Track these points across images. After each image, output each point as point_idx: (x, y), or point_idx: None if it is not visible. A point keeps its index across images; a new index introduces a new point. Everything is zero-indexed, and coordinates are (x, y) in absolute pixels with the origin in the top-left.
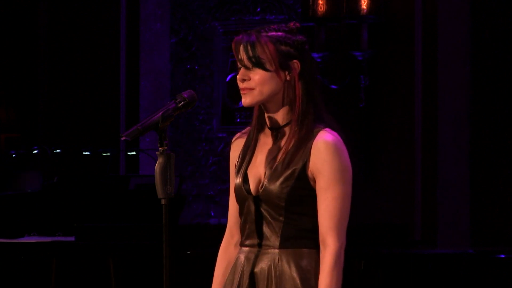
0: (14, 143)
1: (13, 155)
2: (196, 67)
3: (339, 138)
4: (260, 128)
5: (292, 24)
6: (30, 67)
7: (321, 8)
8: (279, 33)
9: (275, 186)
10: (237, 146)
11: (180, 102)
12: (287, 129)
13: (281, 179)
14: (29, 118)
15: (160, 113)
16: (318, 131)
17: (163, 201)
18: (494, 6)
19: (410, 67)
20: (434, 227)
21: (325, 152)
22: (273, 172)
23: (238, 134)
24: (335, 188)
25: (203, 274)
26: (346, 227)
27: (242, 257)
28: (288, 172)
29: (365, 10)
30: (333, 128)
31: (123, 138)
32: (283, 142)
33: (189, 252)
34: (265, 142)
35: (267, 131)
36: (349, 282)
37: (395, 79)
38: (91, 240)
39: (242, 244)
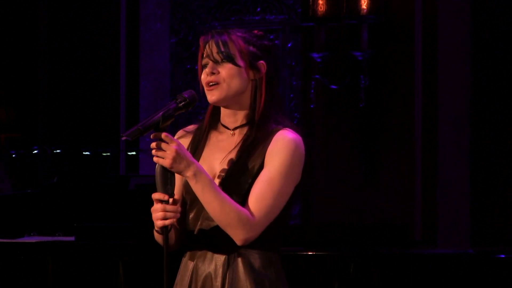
0: (14, 143)
1: (13, 155)
2: (196, 67)
3: (299, 138)
4: (211, 126)
5: (256, 31)
6: (30, 67)
7: (321, 8)
8: (246, 35)
9: (234, 184)
10: (184, 142)
11: (181, 102)
12: (244, 129)
13: (239, 177)
14: (29, 118)
15: (160, 113)
16: (278, 130)
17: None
18: (494, 6)
19: (410, 67)
20: (434, 227)
21: (279, 145)
22: (231, 169)
23: (181, 132)
24: (276, 181)
25: None
26: (268, 223)
27: (193, 257)
28: (247, 170)
29: (365, 10)
30: (293, 129)
31: (123, 138)
32: (240, 141)
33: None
34: (217, 139)
35: (221, 129)
36: (349, 282)
37: (395, 79)
38: (91, 240)
39: (194, 240)
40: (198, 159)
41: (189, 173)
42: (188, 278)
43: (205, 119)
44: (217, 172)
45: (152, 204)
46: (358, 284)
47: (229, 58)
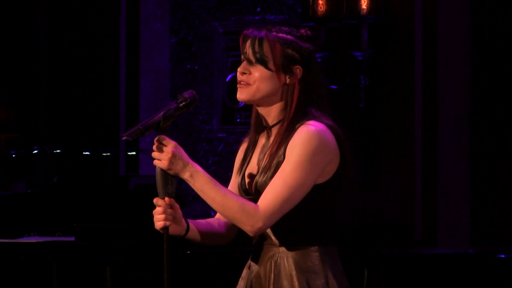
0: (14, 143)
1: (13, 155)
2: (196, 67)
3: (321, 128)
4: (258, 129)
5: (303, 31)
6: (30, 67)
7: (321, 8)
8: (289, 36)
9: (264, 183)
10: (243, 147)
11: (181, 102)
12: (278, 127)
13: (269, 176)
14: (29, 118)
15: (161, 113)
16: (301, 124)
17: None
18: (494, 6)
19: (410, 67)
20: (434, 227)
21: (296, 138)
22: (263, 170)
23: (245, 139)
24: (290, 173)
25: (203, 274)
26: (280, 215)
27: (251, 257)
28: (273, 168)
29: (365, 10)
30: (319, 121)
31: (124, 138)
32: (272, 140)
33: (189, 252)
34: (262, 142)
35: (264, 131)
36: (349, 282)
37: (395, 79)
38: (91, 240)
39: (251, 244)
40: (247, 166)
41: (186, 175)
42: (246, 277)
43: (251, 123)
44: (256, 176)
45: (152, 205)
46: (358, 284)
47: (262, 61)
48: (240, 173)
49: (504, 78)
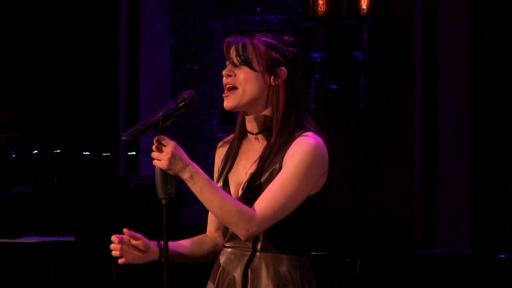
0: (14, 143)
1: (13, 155)
2: (196, 67)
3: (319, 142)
4: (242, 136)
5: (287, 37)
6: (30, 67)
7: (321, 8)
8: (272, 41)
9: (255, 189)
10: (219, 154)
11: (180, 102)
12: (267, 134)
13: (260, 182)
14: (29, 118)
15: (160, 113)
16: (299, 135)
17: (163, 201)
18: (494, 6)
19: (410, 67)
20: (434, 227)
21: (296, 149)
22: (253, 175)
23: (220, 143)
24: (289, 182)
25: (203, 274)
26: (274, 222)
27: (222, 259)
28: (267, 174)
29: (365, 10)
30: (317, 133)
31: (123, 138)
32: (263, 147)
33: None
34: (248, 148)
35: (250, 138)
36: (349, 282)
37: (395, 79)
38: (91, 240)
39: (224, 246)
40: (229, 170)
41: (186, 175)
42: (216, 279)
43: (236, 129)
44: (243, 181)
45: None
46: (358, 284)
47: (246, 62)
48: (221, 178)
49: (504, 78)
